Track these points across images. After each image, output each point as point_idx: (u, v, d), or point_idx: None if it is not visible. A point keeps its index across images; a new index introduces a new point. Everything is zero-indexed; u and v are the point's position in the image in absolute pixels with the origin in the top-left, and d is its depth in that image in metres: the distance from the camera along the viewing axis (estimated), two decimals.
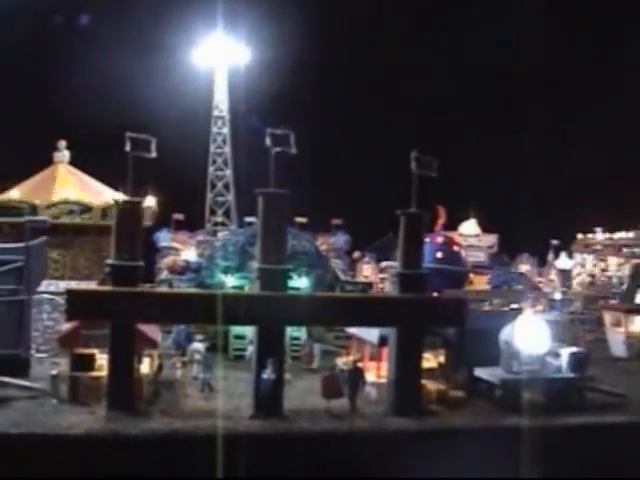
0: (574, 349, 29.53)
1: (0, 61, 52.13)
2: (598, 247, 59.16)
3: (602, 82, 67.35)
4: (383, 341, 28.12)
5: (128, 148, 25.99)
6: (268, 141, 26.53)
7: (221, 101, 51.62)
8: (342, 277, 43.37)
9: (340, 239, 52.72)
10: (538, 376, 27.58)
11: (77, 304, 25.39)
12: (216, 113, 51.70)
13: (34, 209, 41.63)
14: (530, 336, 28.35)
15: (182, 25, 52.64)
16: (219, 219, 52.91)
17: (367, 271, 57.30)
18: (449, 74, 66.01)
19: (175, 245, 51.00)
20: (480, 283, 49.60)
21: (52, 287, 35.48)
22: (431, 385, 28.51)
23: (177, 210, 51.45)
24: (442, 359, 30.00)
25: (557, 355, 28.91)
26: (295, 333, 34.40)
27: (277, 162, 26.82)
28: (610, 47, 67.72)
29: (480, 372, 28.99)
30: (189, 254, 46.09)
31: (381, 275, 55.22)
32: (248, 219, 43.26)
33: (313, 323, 30.70)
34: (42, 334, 33.88)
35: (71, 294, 25.78)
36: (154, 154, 26.34)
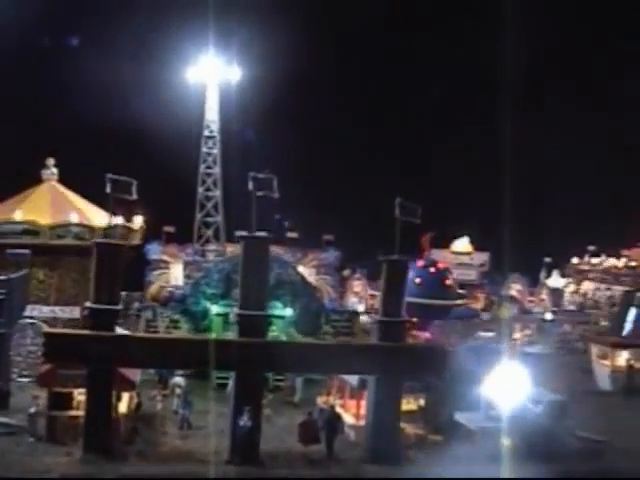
0: (554, 396, 29.43)
1: None
2: (590, 275, 59.07)
3: (602, 96, 67.02)
4: (363, 384, 27.96)
5: (108, 190, 25.79)
6: (250, 185, 26.36)
7: (212, 121, 51.33)
8: (328, 306, 43.15)
9: (331, 255, 52.60)
10: (517, 423, 27.42)
11: (54, 347, 25.26)
12: (207, 133, 51.41)
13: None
14: (510, 382, 28.12)
15: (175, 44, 52.32)
16: (208, 239, 52.60)
17: (358, 287, 57.32)
18: (444, 88, 65.72)
19: (165, 258, 51.02)
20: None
21: (36, 312, 35.43)
22: (410, 429, 28.39)
23: (167, 223, 51.32)
24: (422, 402, 29.86)
25: (537, 402, 28.77)
26: None
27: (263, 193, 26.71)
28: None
29: (460, 417, 28.86)
30: (176, 272, 46.02)
31: (371, 292, 55.11)
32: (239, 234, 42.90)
33: (292, 370, 30.52)
34: (25, 359, 33.82)
35: (48, 337, 25.69)
36: (135, 196, 26.10)
